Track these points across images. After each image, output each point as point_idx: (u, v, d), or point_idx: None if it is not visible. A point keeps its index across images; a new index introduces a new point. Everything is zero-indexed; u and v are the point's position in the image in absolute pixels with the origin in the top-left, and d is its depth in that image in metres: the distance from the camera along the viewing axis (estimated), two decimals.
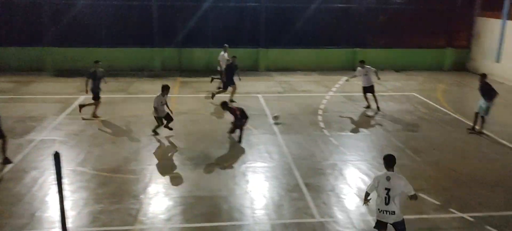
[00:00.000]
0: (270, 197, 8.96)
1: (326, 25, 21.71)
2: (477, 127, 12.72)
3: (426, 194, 9.03)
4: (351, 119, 14.10)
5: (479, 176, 10.07)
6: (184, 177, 9.74)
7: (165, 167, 10.26)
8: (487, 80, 12.54)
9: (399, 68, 19.99)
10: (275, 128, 12.95)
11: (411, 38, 22.36)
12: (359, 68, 14.94)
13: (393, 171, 6.50)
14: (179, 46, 20.78)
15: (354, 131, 13.02)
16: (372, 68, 14.93)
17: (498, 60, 20.27)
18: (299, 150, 11.42)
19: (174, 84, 18.20)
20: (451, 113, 14.84)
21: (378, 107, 14.92)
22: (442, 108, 15.44)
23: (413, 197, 6.55)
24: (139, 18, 20.72)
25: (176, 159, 10.74)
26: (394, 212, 6.41)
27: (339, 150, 11.51)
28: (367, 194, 6.80)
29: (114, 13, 20.40)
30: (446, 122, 13.99)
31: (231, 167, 10.37)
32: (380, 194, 6.46)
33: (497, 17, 20.31)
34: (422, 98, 16.76)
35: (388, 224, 6.58)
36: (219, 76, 17.07)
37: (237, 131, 11.82)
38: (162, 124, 12.02)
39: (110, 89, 14.86)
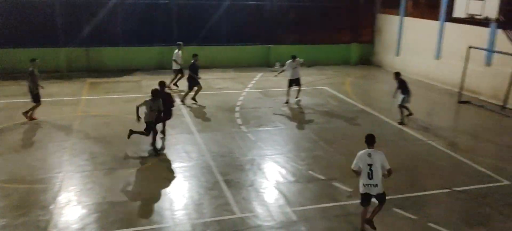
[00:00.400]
0: (189, 196, 8.85)
1: (240, 23, 21.91)
2: (403, 116, 13.71)
3: (340, 183, 9.53)
4: (267, 114, 14.40)
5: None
6: (97, 183, 9.26)
7: (76, 174, 9.67)
8: (402, 77, 13.60)
9: (311, 64, 20.82)
10: (193, 127, 12.81)
11: (320, 34, 23.39)
12: (289, 61, 15.46)
13: (373, 148, 7.34)
14: (87, 45, 19.70)
15: (271, 126, 13.31)
16: (300, 60, 15.63)
17: (397, 54, 21.97)
18: (218, 147, 11.42)
19: (83, 86, 17.25)
20: (359, 105, 15.79)
21: (298, 98, 15.84)
22: (350, 101, 16.36)
23: (389, 171, 7.40)
24: (40, 15, 19.25)
25: (88, 164, 10.17)
26: (377, 184, 7.29)
27: (257, 145, 11.70)
28: (353, 171, 7.45)
29: (12, 10, 18.75)
30: (355, 113, 14.85)
31: (148, 169, 10.08)
32: (364, 170, 7.30)
33: (396, 13, 21.99)
34: (332, 91, 17.63)
35: (372, 198, 7.43)
36: (179, 75, 16.96)
37: (156, 134, 11.33)
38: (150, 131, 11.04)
39: (12, 94, 13.69)
